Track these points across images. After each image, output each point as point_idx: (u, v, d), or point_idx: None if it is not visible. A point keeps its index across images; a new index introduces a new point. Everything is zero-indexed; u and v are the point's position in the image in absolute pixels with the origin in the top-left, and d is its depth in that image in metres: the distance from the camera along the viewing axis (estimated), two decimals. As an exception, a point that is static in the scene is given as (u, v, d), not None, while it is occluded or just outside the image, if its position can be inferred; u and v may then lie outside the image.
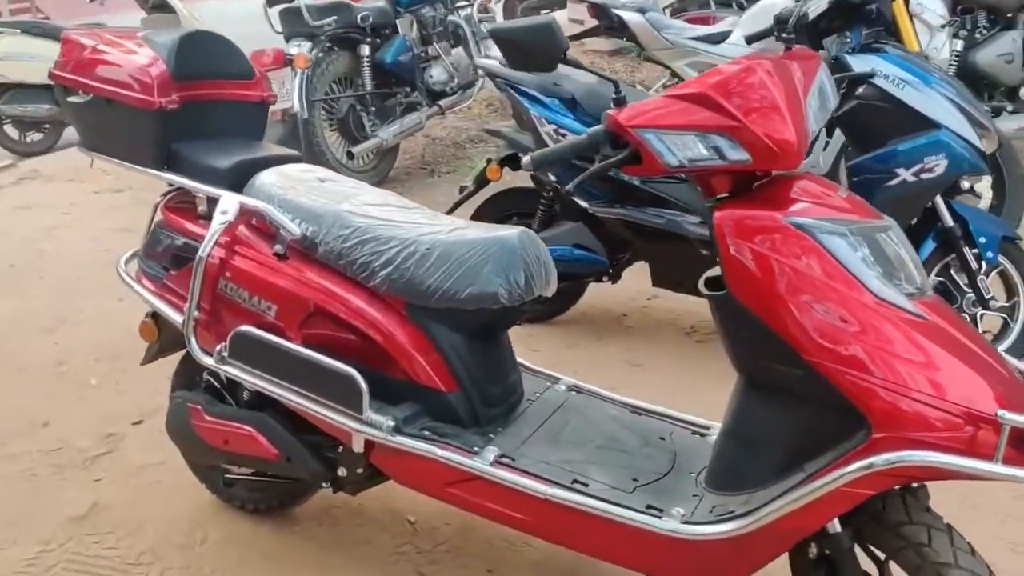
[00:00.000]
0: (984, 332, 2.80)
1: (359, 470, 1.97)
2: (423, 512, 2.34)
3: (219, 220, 1.95)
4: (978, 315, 2.77)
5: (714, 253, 1.59)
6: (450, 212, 3.39)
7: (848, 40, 2.74)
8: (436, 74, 5.27)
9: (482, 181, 3.43)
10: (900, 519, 1.56)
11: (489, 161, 3.39)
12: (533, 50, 1.71)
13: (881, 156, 2.65)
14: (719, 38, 4.06)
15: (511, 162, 3.34)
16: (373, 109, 4.94)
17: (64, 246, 4.32)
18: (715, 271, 1.70)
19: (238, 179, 2.07)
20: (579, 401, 2.10)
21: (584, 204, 3.07)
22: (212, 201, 2.04)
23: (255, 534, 2.31)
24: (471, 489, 1.81)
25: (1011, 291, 2.85)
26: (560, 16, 9.27)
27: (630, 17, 4.11)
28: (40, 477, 2.57)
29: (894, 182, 2.63)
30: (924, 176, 2.61)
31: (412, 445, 1.81)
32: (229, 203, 1.97)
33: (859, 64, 2.66)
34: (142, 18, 7.34)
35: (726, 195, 1.65)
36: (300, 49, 4.59)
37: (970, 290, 2.77)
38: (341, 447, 1.97)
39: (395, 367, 1.90)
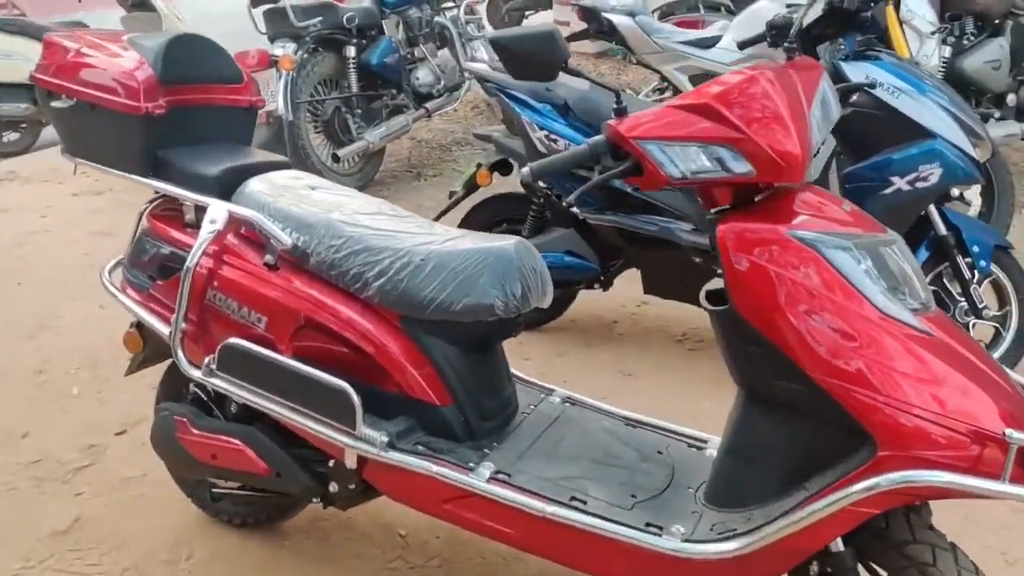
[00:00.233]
0: (976, 341, 2.79)
1: (351, 486, 1.92)
2: (414, 525, 2.30)
3: (207, 229, 1.90)
4: (971, 324, 2.76)
5: (710, 263, 1.57)
6: (439, 217, 3.35)
7: (842, 47, 2.72)
8: (422, 76, 5.22)
9: (472, 186, 3.40)
10: (904, 538, 1.54)
11: (479, 166, 3.35)
12: (534, 59, 1.67)
13: (875, 164, 2.64)
14: (709, 42, 4.04)
15: (501, 167, 3.31)
16: (359, 111, 4.88)
17: (43, 250, 4.23)
18: (715, 283, 1.67)
19: (226, 186, 2.02)
20: (574, 413, 2.07)
21: (575, 210, 3.04)
22: (200, 209, 1.99)
23: (243, 549, 2.27)
24: (467, 506, 1.78)
25: (1003, 300, 2.85)
26: (546, 17, 9.24)
27: (620, 21, 4.08)
28: (20, 490, 2.51)
29: (888, 190, 2.62)
30: (919, 185, 2.60)
31: (407, 461, 1.77)
32: (218, 212, 1.92)
33: (853, 71, 2.65)
34: (121, 16, 7.23)
35: (727, 207, 1.63)
36: (285, 50, 4.53)
37: (963, 299, 2.76)
38: (332, 461, 1.93)
39: (388, 380, 1.86)
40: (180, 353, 1.96)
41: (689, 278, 2.91)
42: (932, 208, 2.73)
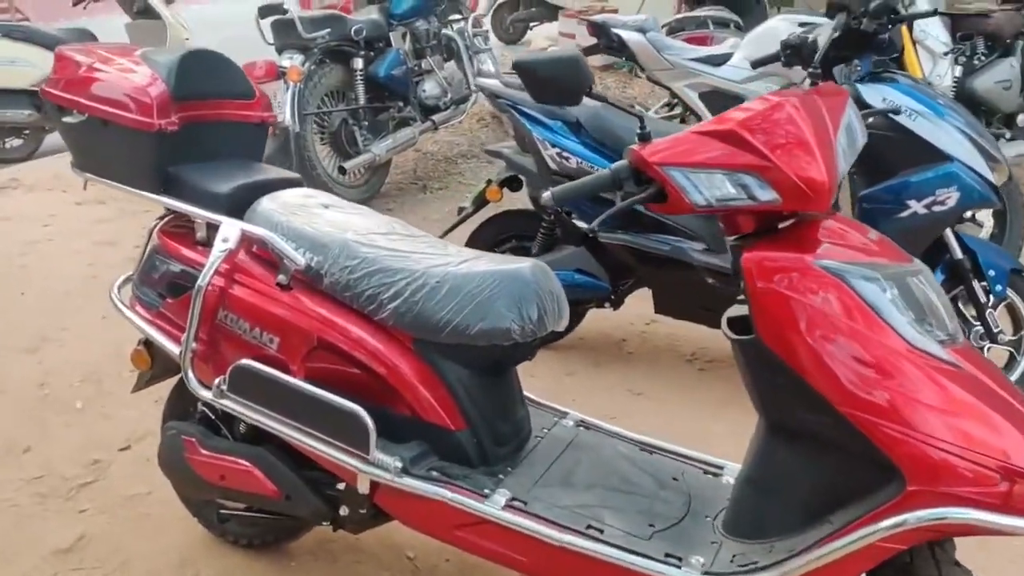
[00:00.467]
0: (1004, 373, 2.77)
1: (362, 510, 1.89)
2: (423, 548, 2.27)
3: (220, 248, 1.87)
4: (986, 348, 2.74)
5: (726, 285, 1.54)
6: (447, 233, 3.33)
7: (858, 68, 2.70)
8: (429, 88, 5.21)
9: (481, 202, 3.37)
10: (930, 573, 1.51)
11: (489, 182, 3.32)
12: (558, 83, 1.65)
13: (892, 187, 2.62)
14: (720, 60, 4.03)
15: (511, 184, 3.28)
16: (366, 123, 4.86)
17: (45, 260, 4.19)
18: (736, 310, 1.65)
19: (238, 204, 1.99)
20: (588, 438, 2.04)
21: (582, 226, 3.02)
22: (212, 227, 1.97)
23: (249, 570, 2.23)
24: (481, 533, 1.75)
25: (1018, 324, 2.82)
26: (550, 29, 9.25)
27: (630, 37, 4.07)
28: (22, 507, 2.47)
29: (904, 214, 2.60)
30: (935, 209, 2.58)
31: (421, 488, 1.73)
32: (230, 230, 1.89)
33: (870, 93, 2.63)
34: (126, 23, 7.23)
35: (749, 233, 1.61)
36: (293, 62, 4.51)
37: (978, 323, 2.74)
38: (343, 485, 1.90)
39: (401, 403, 1.83)
40: (190, 373, 1.93)
41: (702, 299, 2.90)
42: (948, 232, 2.71)
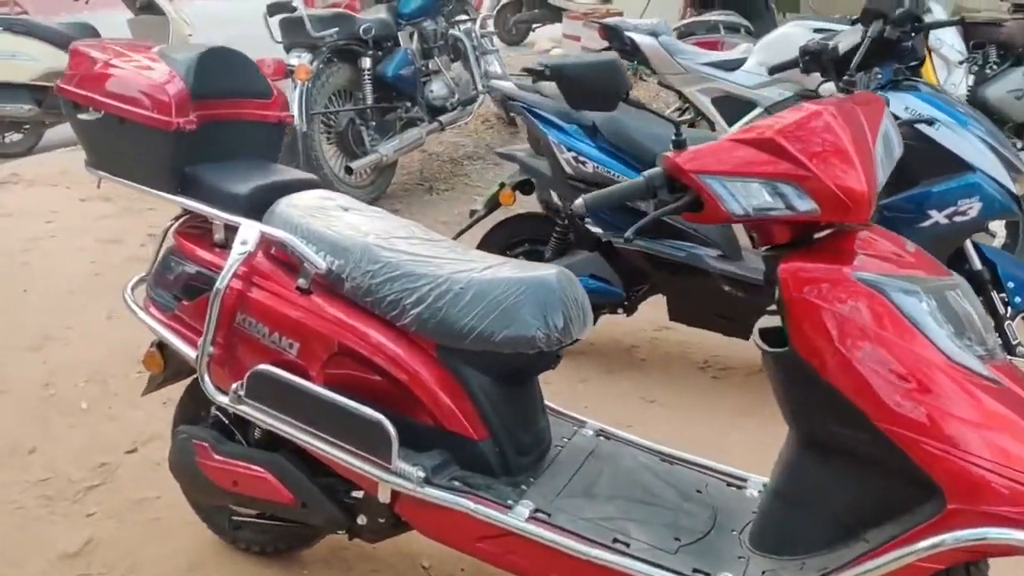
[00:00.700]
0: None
1: (381, 519, 1.86)
2: (438, 557, 2.23)
3: (239, 250, 1.84)
4: (1004, 360, 2.71)
5: (753, 296, 1.52)
6: (459, 235, 3.30)
7: (878, 76, 2.68)
8: (437, 89, 5.17)
9: (494, 205, 3.33)
10: (965, 593, 1.48)
11: (503, 185, 3.29)
12: (596, 89, 1.63)
13: (913, 197, 2.60)
14: (733, 65, 4.00)
15: (524, 187, 3.25)
16: (373, 123, 4.82)
17: (48, 257, 4.13)
18: (768, 321, 1.62)
19: (257, 205, 1.95)
20: (609, 448, 2.01)
21: (599, 232, 2.98)
22: (230, 229, 1.93)
23: (260, 577, 2.19)
24: (503, 545, 1.71)
25: (1036, 337, 2.80)
26: (554, 30, 9.22)
27: (642, 40, 4.04)
28: (28, 509, 2.43)
29: (926, 224, 2.58)
30: (957, 219, 2.56)
31: (444, 498, 1.70)
32: (249, 232, 1.85)
33: (893, 102, 2.60)
34: (129, 19, 7.19)
35: (784, 243, 1.58)
36: (301, 60, 4.47)
37: (997, 335, 2.71)
38: (361, 493, 1.87)
39: (422, 411, 1.79)
40: (207, 378, 1.89)
41: (717, 306, 2.88)
42: (968, 242, 2.68)
